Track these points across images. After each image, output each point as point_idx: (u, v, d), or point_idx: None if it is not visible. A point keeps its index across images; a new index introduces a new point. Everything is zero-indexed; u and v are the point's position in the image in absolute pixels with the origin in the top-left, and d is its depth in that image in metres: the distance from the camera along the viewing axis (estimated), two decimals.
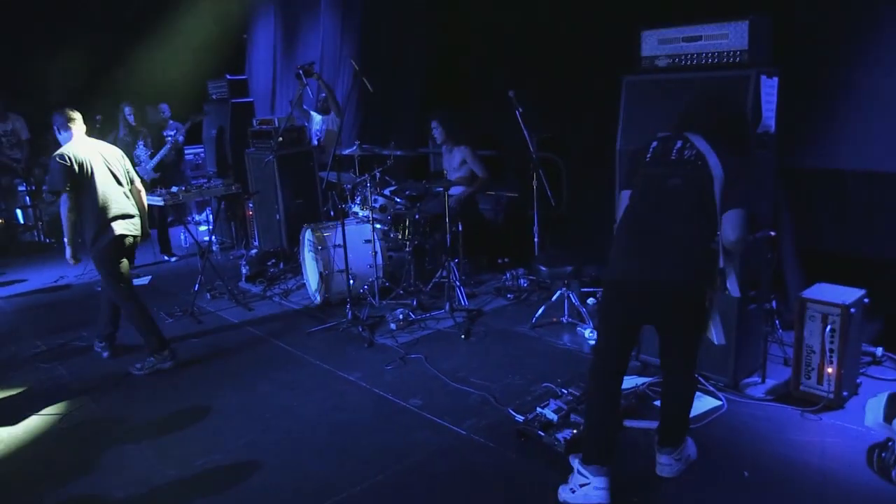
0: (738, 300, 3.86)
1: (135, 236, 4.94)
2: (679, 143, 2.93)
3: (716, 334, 2.98)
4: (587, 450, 3.08)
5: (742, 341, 3.96)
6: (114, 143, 7.37)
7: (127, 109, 7.45)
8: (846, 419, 3.63)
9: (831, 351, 3.70)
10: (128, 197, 4.95)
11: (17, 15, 9.53)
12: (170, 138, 7.65)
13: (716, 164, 2.81)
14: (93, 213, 4.70)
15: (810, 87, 4.34)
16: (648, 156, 3.00)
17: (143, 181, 7.20)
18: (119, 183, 4.89)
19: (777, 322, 4.28)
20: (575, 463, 3.11)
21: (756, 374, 4.08)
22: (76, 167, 4.63)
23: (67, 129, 4.81)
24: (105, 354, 5.19)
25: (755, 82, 3.69)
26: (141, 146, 7.52)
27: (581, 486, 3.03)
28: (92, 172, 4.70)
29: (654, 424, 3.37)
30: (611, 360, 3.08)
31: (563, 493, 3.09)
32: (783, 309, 4.41)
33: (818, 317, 3.74)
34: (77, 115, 4.90)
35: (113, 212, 4.75)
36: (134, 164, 7.23)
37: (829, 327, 3.68)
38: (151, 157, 7.50)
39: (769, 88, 3.78)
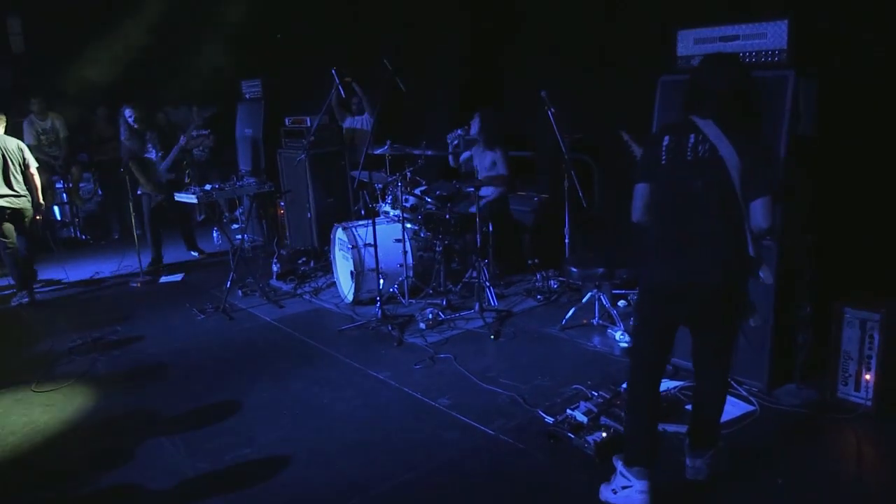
0: (773, 307, 3.81)
1: (12, 208, 6.47)
2: (692, 139, 2.82)
3: (763, 276, 2.91)
4: (629, 452, 3.06)
5: (778, 347, 3.90)
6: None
7: (127, 112, 7.45)
8: (884, 427, 3.55)
9: (869, 357, 3.63)
10: (15, 179, 6.45)
11: (56, 16, 9.73)
12: (182, 139, 7.67)
13: (730, 154, 2.74)
14: None
15: (849, 86, 4.25)
16: (663, 156, 2.89)
17: (156, 184, 7.31)
18: (7, 168, 6.38)
19: (812, 328, 4.19)
20: (618, 465, 3.09)
21: (791, 381, 4.01)
22: None
23: None
24: (25, 300, 6.59)
25: (794, 83, 3.63)
26: (151, 150, 7.51)
27: (623, 487, 3.02)
28: None
29: (683, 428, 3.34)
30: (650, 362, 3.08)
31: (605, 492, 3.08)
32: (820, 315, 4.32)
33: (856, 323, 3.67)
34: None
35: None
36: (145, 168, 7.32)
37: (867, 333, 3.61)
38: (162, 158, 7.54)
39: (808, 90, 3.71)
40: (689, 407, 3.74)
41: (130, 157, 7.38)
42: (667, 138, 2.90)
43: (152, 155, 7.52)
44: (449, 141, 6.52)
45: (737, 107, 2.81)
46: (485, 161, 6.24)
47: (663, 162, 2.89)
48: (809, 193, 3.94)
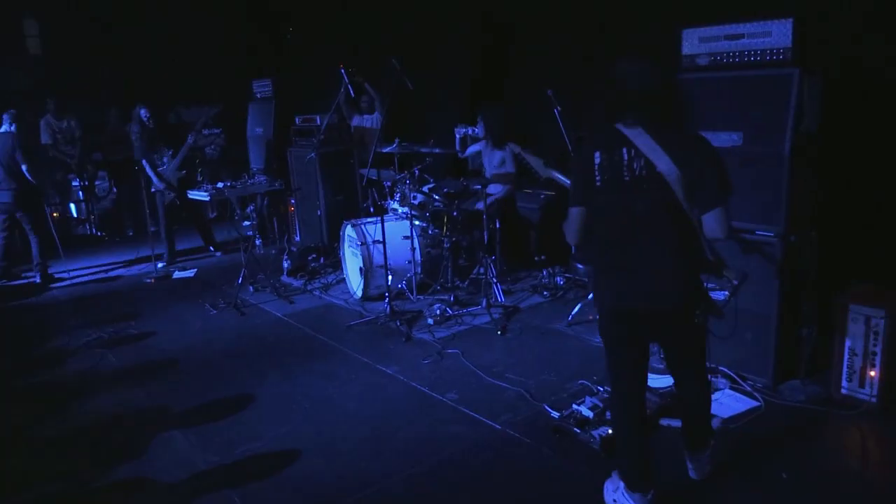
0: (778, 302, 3.84)
1: None
2: (625, 154, 2.64)
3: (728, 275, 2.87)
4: (629, 476, 2.96)
5: (782, 343, 3.92)
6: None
7: (142, 112, 7.56)
8: (889, 424, 3.57)
9: (874, 354, 3.65)
10: None
11: (72, 19, 9.86)
12: (190, 138, 7.75)
13: (668, 168, 2.56)
14: None
15: (851, 85, 4.26)
16: (597, 178, 2.70)
17: (169, 183, 7.41)
18: None
19: (817, 324, 4.21)
20: (621, 485, 2.99)
21: (796, 377, 4.03)
22: None
23: None
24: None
25: (798, 81, 3.65)
26: (161, 147, 7.63)
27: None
28: None
29: (678, 422, 3.37)
30: (626, 383, 2.97)
31: (608, 495, 3.06)
32: (824, 311, 4.34)
33: (861, 319, 3.69)
34: None
35: None
36: (155, 167, 7.43)
37: (872, 329, 3.62)
38: (173, 157, 7.63)
39: (812, 87, 3.73)
40: None
41: (143, 155, 7.48)
42: (597, 155, 2.70)
43: (163, 154, 7.61)
44: (456, 134, 6.54)
45: (664, 106, 2.66)
46: (494, 160, 6.28)
47: (598, 184, 2.71)
48: (813, 190, 3.96)
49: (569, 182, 3.19)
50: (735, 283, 2.87)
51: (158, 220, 7.86)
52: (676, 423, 3.56)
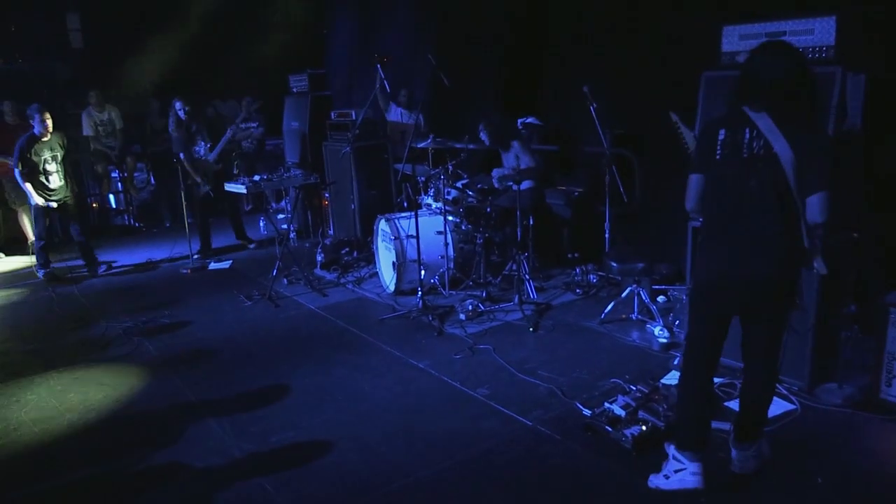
0: (816, 305, 3.78)
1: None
2: (747, 134, 2.82)
3: (818, 266, 2.94)
4: (682, 437, 3.14)
5: (820, 346, 3.87)
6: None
7: (178, 105, 7.66)
8: None
9: None
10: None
11: (113, 12, 10.06)
12: (229, 131, 7.87)
13: (784, 150, 2.73)
14: None
15: None
16: (718, 151, 2.90)
17: (204, 175, 7.53)
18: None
19: (857, 327, 4.14)
20: (670, 450, 3.16)
21: (833, 380, 3.97)
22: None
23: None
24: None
25: (841, 79, 3.59)
26: (199, 142, 7.73)
27: (676, 471, 3.09)
28: None
29: (725, 425, 3.35)
30: (705, 350, 3.11)
31: (655, 480, 3.14)
32: (864, 314, 4.27)
33: None
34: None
35: None
36: (192, 160, 7.56)
37: None
38: (211, 149, 7.74)
39: (856, 85, 3.66)
40: (728, 404, 3.76)
41: (181, 148, 7.61)
42: (722, 132, 2.90)
43: (200, 147, 7.74)
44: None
45: (792, 99, 2.77)
46: (510, 161, 6.28)
47: (718, 157, 2.90)
48: (856, 190, 3.89)
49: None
50: (822, 272, 2.93)
51: (195, 213, 8.00)
52: (714, 425, 3.54)
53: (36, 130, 6.91)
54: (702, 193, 3.03)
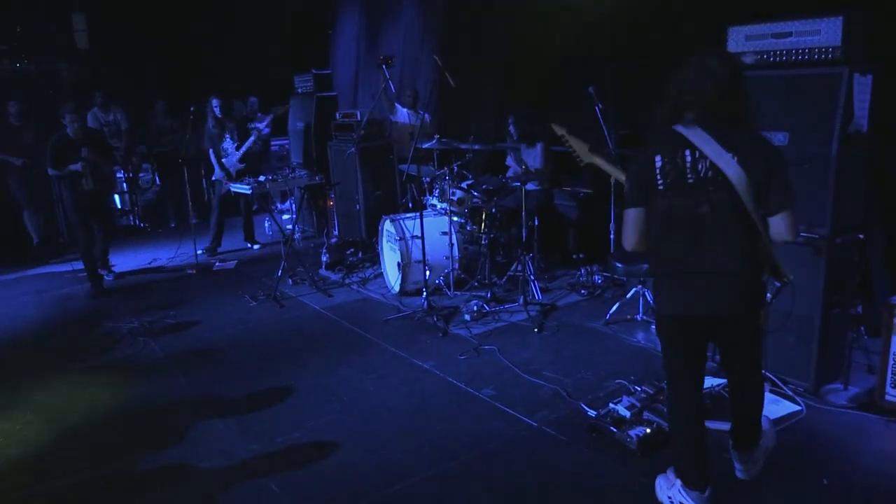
0: (822, 305, 3.77)
1: None
2: (688, 156, 2.62)
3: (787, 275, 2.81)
4: (686, 475, 2.95)
5: (824, 347, 3.86)
6: (203, 134, 7.81)
7: (214, 102, 7.73)
8: None
9: None
10: None
11: (119, 13, 10.09)
12: (255, 131, 7.94)
13: (734, 170, 2.53)
14: None
15: None
16: (659, 180, 2.66)
17: (227, 173, 7.57)
18: None
19: (862, 328, 4.14)
20: (677, 482, 2.98)
21: (838, 381, 3.97)
22: None
23: None
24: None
25: (848, 80, 3.58)
26: (227, 139, 7.82)
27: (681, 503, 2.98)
28: None
29: (718, 425, 3.35)
30: (685, 382, 2.96)
31: (662, 492, 3.05)
32: (869, 315, 4.26)
33: None
34: None
35: None
36: (220, 157, 7.62)
37: None
38: (237, 148, 7.80)
39: (862, 87, 3.66)
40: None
41: (211, 144, 7.68)
42: (658, 158, 2.67)
43: (228, 144, 7.79)
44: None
45: (726, 108, 2.60)
46: (529, 158, 6.29)
47: (660, 187, 2.67)
48: (862, 192, 3.88)
49: (612, 169, 3.20)
50: (791, 280, 2.81)
51: (213, 209, 8.05)
52: (717, 426, 3.54)
53: (68, 131, 6.54)
54: (642, 227, 2.78)
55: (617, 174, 3.18)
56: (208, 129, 7.81)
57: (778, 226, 2.59)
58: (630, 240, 2.84)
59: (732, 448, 3.16)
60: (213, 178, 7.94)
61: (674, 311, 2.83)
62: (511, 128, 6.36)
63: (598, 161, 3.35)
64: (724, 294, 2.70)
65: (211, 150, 7.75)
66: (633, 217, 2.80)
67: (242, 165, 7.85)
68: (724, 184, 2.57)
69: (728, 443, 3.19)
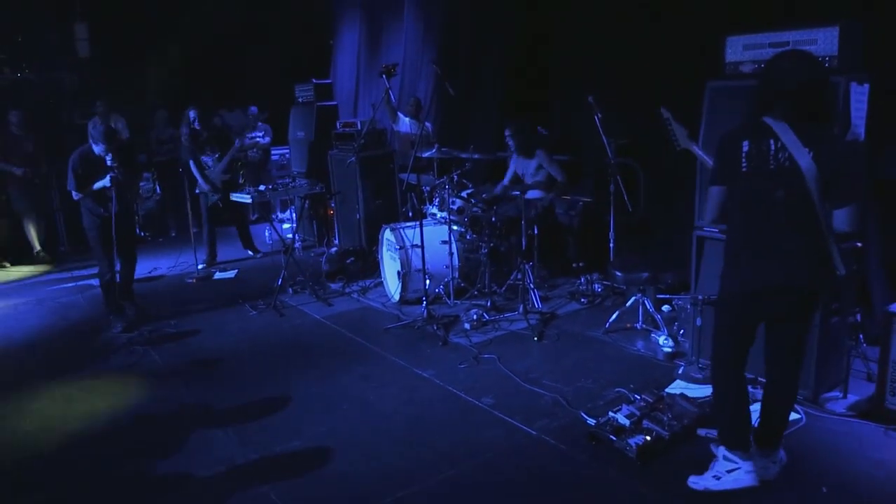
0: (820, 314, 3.78)
1: None
2: (772, 146, 2.85)
3: (838, 267, 2.95)
4: (730, 438, 3.18)
5: (824, 355, 3.86)
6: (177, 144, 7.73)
7: (192, 114, 7.69)
8: None
9: None
10: None
11: (120, 23, 10.14)
12: (237, 142, 7.91)
13: (808, 164, 2.77)
14: None
15: None
16: (744, 163, 2.91)
17: (213, 185, 7.54)
18: None
19: (861, 336, 4.15)
20: (720, 451, 3.20)
21: (837, 389, 3.97)
22: None
23: None
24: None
25: (845, 89, 3.60)
26: (207, 151, 7.76)
27: (729, 471, 3.13)
28: None
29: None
30: (738, 354, 3.14)
31: (703, 481, 3.17)
32: (868, 323, 4.27)
33: None
34: None
35: None
36: (202, 169, 7.59)
37: None
38: (218, 160, 7.77)
39: (859, 96, 3.68)
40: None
41: (190, 156, 7.65)
42: (746, 143, 2.91)
43: (208, 157, 7.78)
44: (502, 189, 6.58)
45: (810, 107, 2.81)
46: (529, 168, 6.30)
47: (744, 169, 2.91)
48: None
49: (707, 158, 3.50)
50: (840, 272, 2.94)
51: (201, 222, 8.03)
52: (714, 433, 3.54)
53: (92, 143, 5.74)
54: (724, 205, 3.04)
55: (709, 162, 3.44)
56: (182, 141, 7.77)
57: (842, 217, 2.82)
58: (711, 213, 3.11)
59: (755, 447, 3.23)
60: (197, 192, 7.84)
61: (743, 286, 3.03)
62: (508, 140, 6.36)
63: (695, 149, 3.66)
64: (793, 269, 2.92)
65: (191, 162, 7.67)
66: (716, 194, 3.06)
67: (227, 176, 7.82)
68: (798, 174, 2.80)
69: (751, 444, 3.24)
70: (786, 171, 2.83)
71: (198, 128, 7.71)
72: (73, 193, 5.71)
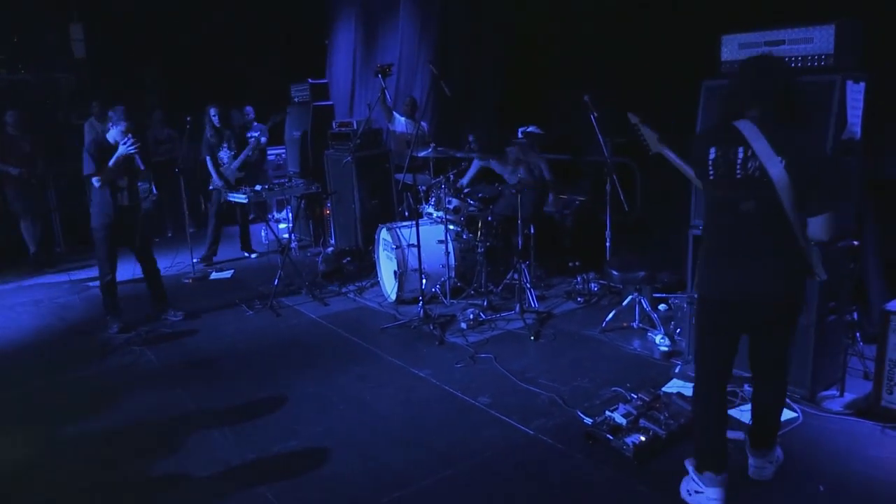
0: (817, 313, 3.78)
1: None
2: (740, 153, 2.76)
3: (817, 272, 2.90)
4: (700, 458, 3.08)
5: (820, 353, 3.87)
6: (201, 143, 7.81)
7: (212, 111, 7.77)
8: None
9: None
10: None
11: (116, 23, 10.12)
12: (252, 139, 7.99)
13: (779, 174, 2.67)
14: None
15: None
16: (711, 171, 2.85)
17: (227, 182, 7.58)
18: None
19: (858, 335, 4.15)
20: (689, 468, 3.12)
21: (834, 388, 3.97)
22: None
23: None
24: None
25: (840, 88, 3.60)
26: (225, 148, 7.86)
27: (695, 492, 3.07)
28: None
29: (739, 435, 3.38)
30: (716, 368, 3.06)
31: (683, 490, 3.15)
32: (865, 321, 4.27)
33: None
34: None
35: None
36: (218, 165, 7.64)
37: None
38: (234, 157, 7.83)
39: (855, 94, 3.68)
40: (731, 412, 3.76)
41: (208, 152, 7.73)
42: (713, 150, 2.84)
43: (224, 153, 7.82)
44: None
45: (781, 110, 2.74)
46: (506, 171, 6.30)
47: (711, 177, 2.86)
48: (855, 197, 3.90)
49: (680, 162, 3.51)
50: (820, 277, 2.91)
51: (209, 218, 8.09)
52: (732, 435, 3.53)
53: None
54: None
55: (683, 167, 3.44)
56: (206, 137, 7.84)
57: (816, 226, 2.74)
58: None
59: (749, 448, 3.22)
60: (210, 188, 7.95)
61: (716, 296, 2.98)
62: (472, 145, 6.30)
63: (666, 152, 3.58)
64: (764, 281, 2.85)
65: (208, 158, 7.78)
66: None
67: (242, 174, 7.88)
68: (769, 184, 2.72)
69: (745, 444, 3.25)
70: (754, 181, 2.74)
71: (218, 125, 7.77)
72: (94, 180, 5.50)
